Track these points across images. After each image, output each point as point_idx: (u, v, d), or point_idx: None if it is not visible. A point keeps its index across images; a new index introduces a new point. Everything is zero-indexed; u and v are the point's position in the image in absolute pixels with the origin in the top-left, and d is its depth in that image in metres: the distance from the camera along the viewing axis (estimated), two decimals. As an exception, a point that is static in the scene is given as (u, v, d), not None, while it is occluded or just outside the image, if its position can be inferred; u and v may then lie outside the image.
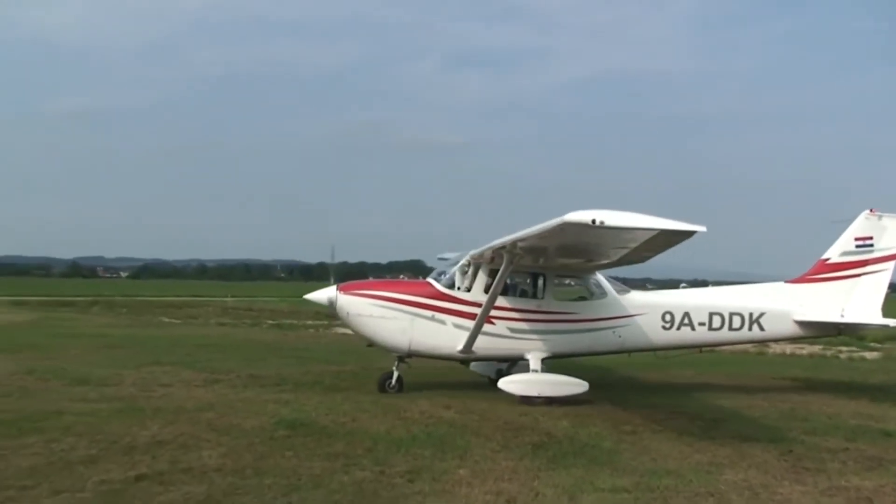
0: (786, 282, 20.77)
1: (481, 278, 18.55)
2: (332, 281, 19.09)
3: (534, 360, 18.22)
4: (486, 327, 18.06)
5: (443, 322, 18.32)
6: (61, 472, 10.57)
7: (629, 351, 19.92)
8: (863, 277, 20.33)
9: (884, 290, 20.49)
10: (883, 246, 20.37)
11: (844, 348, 33.48)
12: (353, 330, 19.11)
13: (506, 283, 18.10)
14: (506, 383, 17.46)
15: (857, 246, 20.37)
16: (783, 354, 31.17)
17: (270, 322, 45.42)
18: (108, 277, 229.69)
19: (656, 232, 12.54)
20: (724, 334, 19.67)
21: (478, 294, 18.40)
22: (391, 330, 18.25)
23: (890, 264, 20.45)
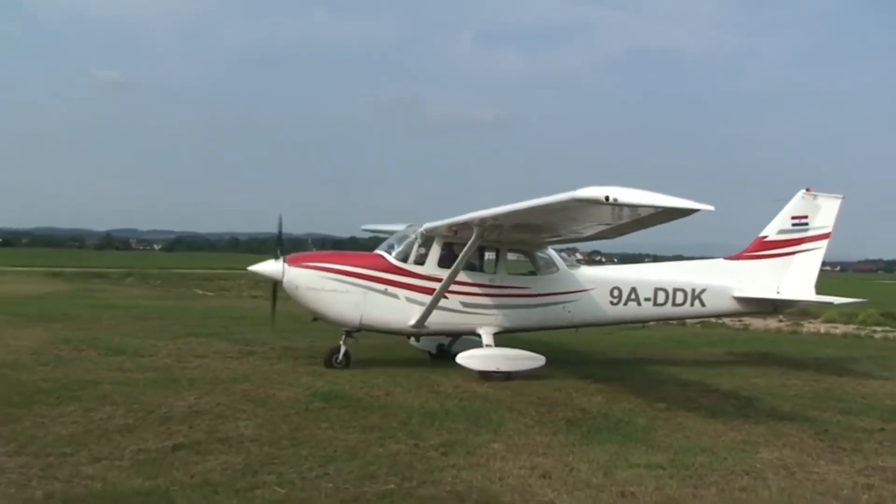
0: (725, 258, 21.05)
1: (435, 252, 18.15)
2: (278, 253, 18.03)
3: (486, 335, 17.92)
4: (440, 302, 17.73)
5: (395, 296, 17.83)
6: (99, 440, 10.69)
7: (578, 326, 19.78)
8: (797, 255, 20.70)
9: (817, 267, 20.89)
10: (817, 225, 20.75)
11: (878, 328, 33.25)
12: (300, 304, 18.08)
13: (452, 256, 17.91)
14: (464, 358, 17.03)
15: (793, 224, 20.76)
16: (817, 333, 30.98)
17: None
18: (141, 250, 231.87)
19: (661, 209, 12.40)
20: (668, 309, 19.81)
21: (431, 268, 18.03)
22: (343, 304, 17.63)
23: (823, 243, 20.81)
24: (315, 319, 18.61)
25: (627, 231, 16.00)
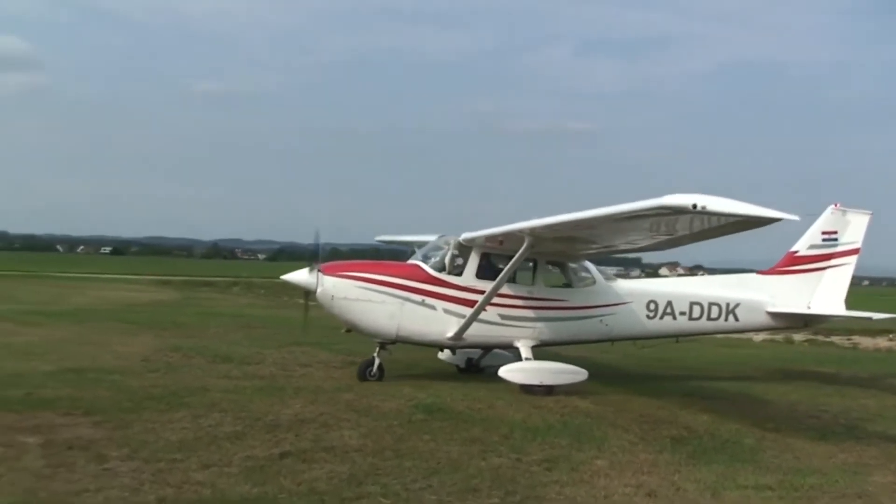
0: (757, 273, 20.79)
1: (473, 263, 17.76)
2: (313, 263, 17.49)
3: (524, 348, 17.50)
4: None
5: (433, 307, 17.39)
6: (209, 446, 10.91)
7: (614, 340, 19.45)
8: (828, 270, 20.55)
9: (847, 282, 20.71)
10: (846, 240, 20.62)
11: None
12: (335, 315, 17.59)
13: (491, 266, 17.73)
14: (507, 372, 16.76)
15: (824, 240, 20.60)
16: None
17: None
18: (246, 259, 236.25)
19: (745, 218, 11.93)
20: (703, 324, 19.46)
21: (469, 279, 17.66)
22: (379, 315, 17.18)
23: (852, 258, 20.69)
24: (348, 331, 18.26)
25: (685, 242, 15.78)
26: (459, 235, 18.09)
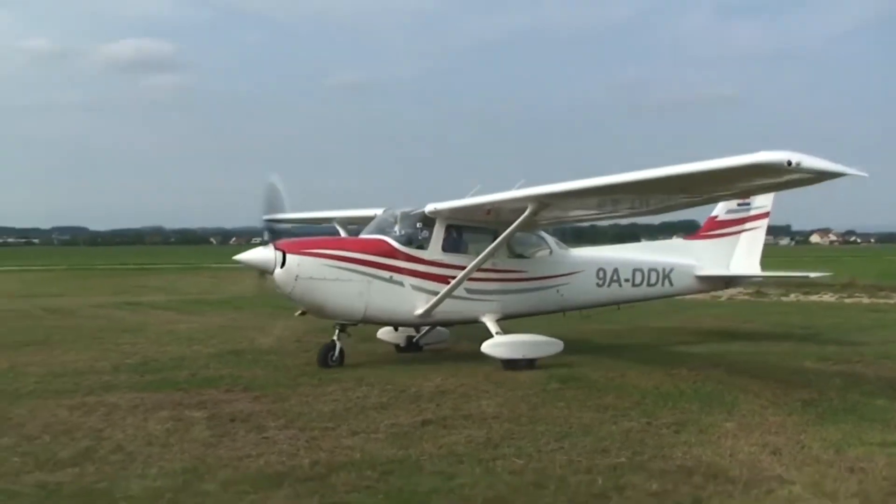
0: (684, 238, 22.06)
1: (438, 235, 17.03)
2: (265, 239, 16.44)
3: (491, 323, 16.90)
4: (442, 289, 16.62)
5: (401, 284, 16.57)
6: (357, 416, 11.82)
7: (567, 310, 19.21)
8: (743, 234, 21.62)
9: (761, 244, 21.84)
10: (758, 205, 21.57)
11: None
12: (296, 298, 16.30)
13: (456, 239, 17.33)
14: (489, 347, 16.18)
15: (739, 205, 21.39)
16: None
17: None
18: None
19: (821, 174, 11.59)
20: (643, 290, 19.61)
21: (436, 253, 16.95)
22: (346, 295, 16.10)
23: (763, 222, 21.78)
24: (303, 314, 17.77)
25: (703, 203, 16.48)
26: (404, 208, 17.64)
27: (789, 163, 11.04)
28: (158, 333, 22.33)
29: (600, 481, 8.69)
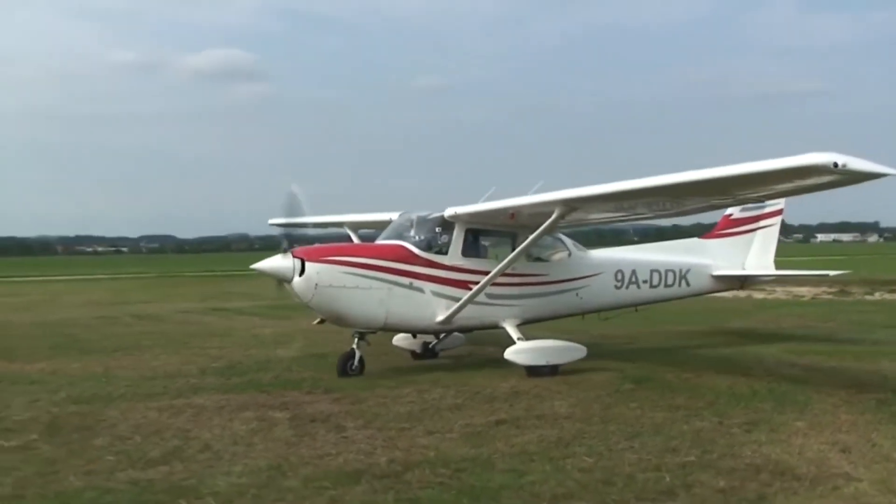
0: (700, 237, 21.40)
1: (458, 240, 16.69)
2: (285, 247, 15.77)
3: (511, 329, 16.62)
4: (462, 294, 16.30)
5: (421, 290, 16.25)
6: (433, 416, 12.19)
7: (585, 313, 18.86)
8: (758, 232, 21.34)
9: (774, 242, 21.59)
10: (771, 202, 20.88)
11: None
12: (316, 307, 16.02)
13: (476, 244, 17.03)
14: (512, 353, 15.83)
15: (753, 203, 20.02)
16: None
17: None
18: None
19: (876, 177, 11.37)
20: (661, 291, 19.27)
21: (455, 258, 16.62)
22: (367, 302, 15.77)
23: (777, 219, 21.52)
24: (321, 322, 17.54)
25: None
26: (420, 212, 17.40)
27: (836, 164, 10.85)
28: (244, 338, 23.02)
29: (668, 478, 8.90)
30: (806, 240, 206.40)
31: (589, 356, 16.43)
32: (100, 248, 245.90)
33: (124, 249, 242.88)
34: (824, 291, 37.98)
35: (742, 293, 35.96)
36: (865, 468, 9.23)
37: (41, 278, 75.78)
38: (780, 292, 38.24)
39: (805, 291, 38.34)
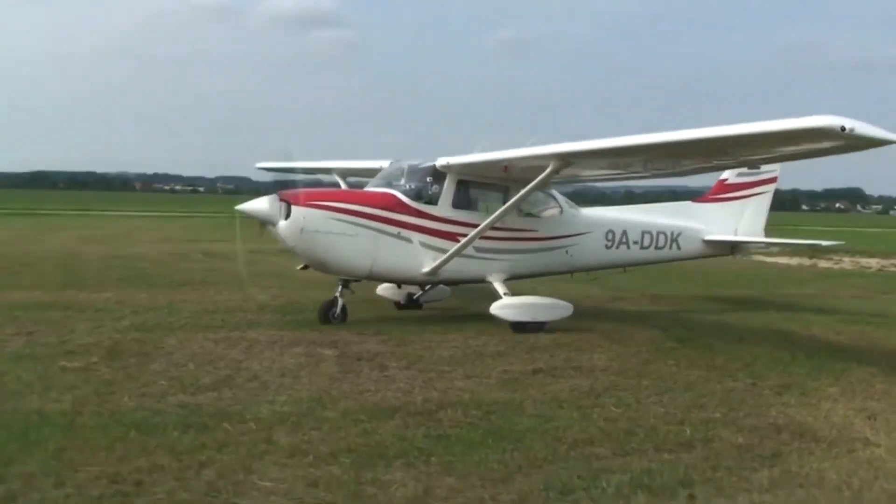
0: (693, 201, 21.15)
1: (449, 191, 16.44)
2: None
3: (498, 284, 16.39)
4: (450, 246, 16.04)
5: (409, 240, 15.94)
6: (473, 361, 12.65)
7: (574, 271, 18.73)
8: (752, 198, 21.11)
9: (767, 210, 21.45)
10: (767, 169, 20.93)
11: None
12: (301, 252, 15.94)
13: (466, 195, 16.72)
14: (498, 309, 15.66)
15: (749, 168, 20.53)
16: None
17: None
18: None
19: (881, 144, 11.22)
20: (651, 253, 19.06)
21: (445, 209, 16.34)
22: (353, 250, 15.52)
23: (771, 186, 21.34)
24: (305, 268, 17.40)
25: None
26: (412, 160, 17.12)
27: (843, 128, 10.70)
28: (306, 279, 23.52)
29: (689, 432, 9.22)
30: (885, 211, 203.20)
31: (636, 315, 16.68)
32: (177, 187, 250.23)
33: (201, 189, 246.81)
34: (893, 264, 37.51)
35: (806, 262, 36.13)
36: (886, 435, 9.41)
37: (118, 213, 77.74)
38: (847, 262, 37.85)
39: (874, 263, 37.90)
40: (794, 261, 37.43)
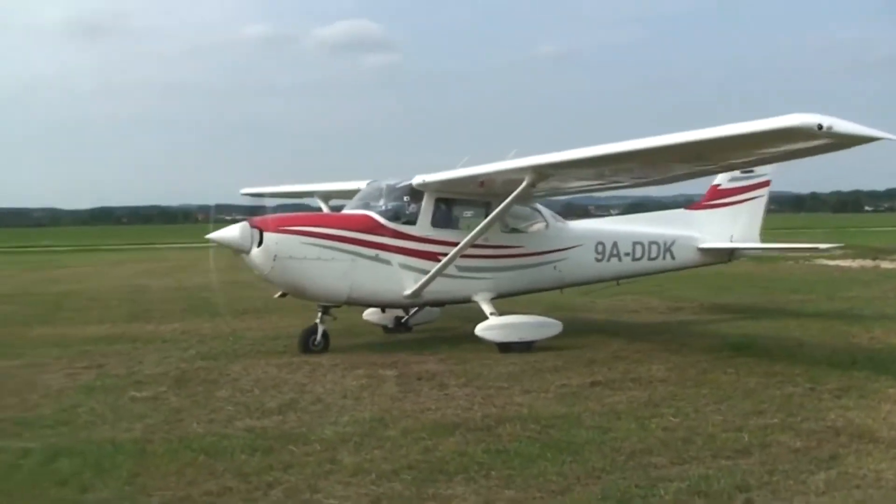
0: (686, 209, 20.55)
1: (428, 210, 15.97)
2: (235, 217, 15.32)
3: (485, 303, 15.92)
4: (432, 267, 15.55)
5: (388, 262, 15.52)
6: (532, 377, 12.81)
7: (564, 286, 18.09)
8: (745, 203, 20.42)
9: (761, 214, 20.67)
10: (759, 172, 20.22)
11: None
12: (275, 280, 15.36)
13: (446, 213, 16.29)
14: (483, 330, 15.21)
15: (742, 172, 19.79)
16: None
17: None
18: (599, 215, 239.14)
19: (862, 142, 10.96)
20: (644, 264, 18.48)
21: (425, 228, 15.88)
22: (329, 275, 15.08)
23: (765, 190, 20.62)
24: (283, 295, 16.87)
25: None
26: (390, 180, 16.65)
27: (820, 126, 10.44)
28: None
29: (747, 438, 9.29)
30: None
31: (695, 324, 16.67)
32: (238, 217, 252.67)
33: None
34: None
35: (869, 264, 35.67)
36: (946, 434, 9.40)
37: (181, 245, 79.09)
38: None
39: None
40: (857, 262, 36.99)
